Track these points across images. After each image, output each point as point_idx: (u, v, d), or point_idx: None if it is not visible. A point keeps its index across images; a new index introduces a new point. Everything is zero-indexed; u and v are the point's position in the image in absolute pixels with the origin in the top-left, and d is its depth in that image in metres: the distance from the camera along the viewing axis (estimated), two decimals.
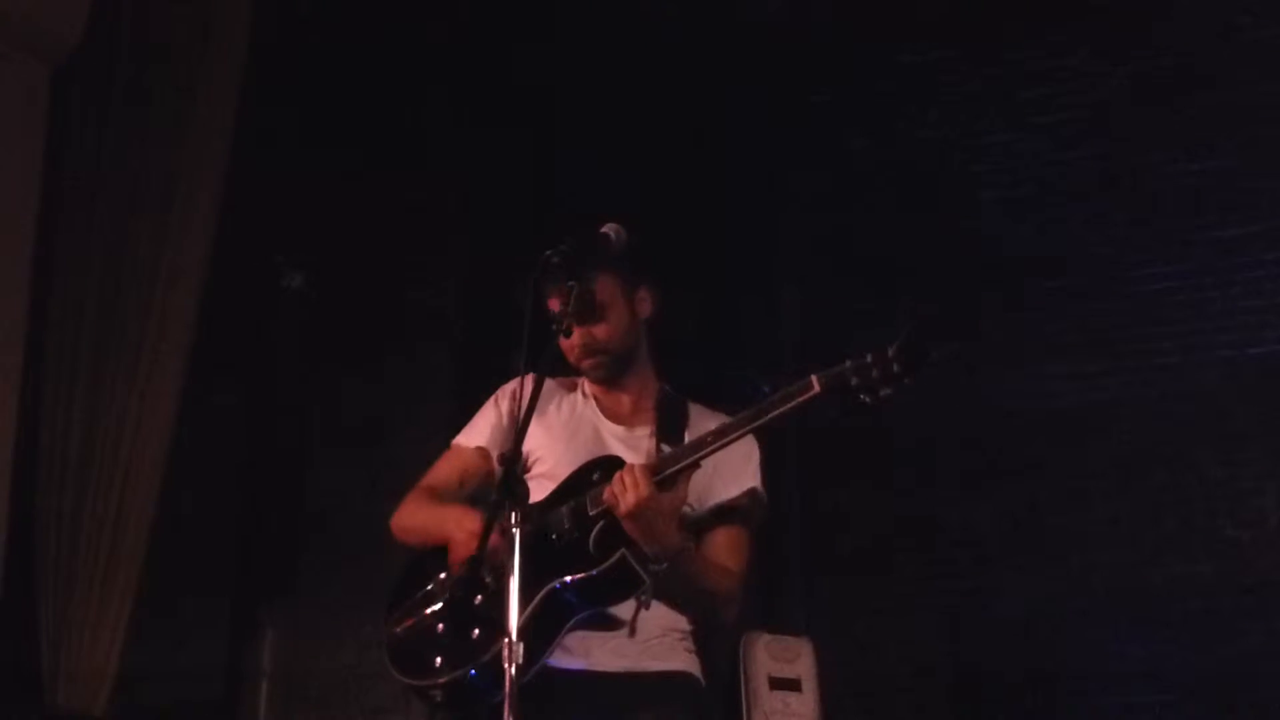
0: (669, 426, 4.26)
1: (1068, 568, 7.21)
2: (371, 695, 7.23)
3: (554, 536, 4.08)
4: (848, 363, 3.79)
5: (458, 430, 4.58)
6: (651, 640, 4.15)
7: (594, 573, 3.97)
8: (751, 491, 4.30)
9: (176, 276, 7.20)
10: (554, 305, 4.17)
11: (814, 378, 3.82)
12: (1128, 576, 7.13)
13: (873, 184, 7.84)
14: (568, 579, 3.99)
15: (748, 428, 3.95)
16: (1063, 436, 7.33)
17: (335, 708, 7.33)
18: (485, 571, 4.05)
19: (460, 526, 4.16)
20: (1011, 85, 7.74)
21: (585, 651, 4.10)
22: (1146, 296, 7.37)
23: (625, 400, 4.37)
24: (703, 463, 4.06)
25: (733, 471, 4.24)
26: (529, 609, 3.93)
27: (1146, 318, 7.35)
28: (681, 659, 4.22)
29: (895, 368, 3.71)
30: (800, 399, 3.85)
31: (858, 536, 7.48)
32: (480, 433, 4.45)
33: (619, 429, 4.31)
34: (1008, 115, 7.72)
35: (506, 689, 3.61)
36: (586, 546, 4.01)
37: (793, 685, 6.47)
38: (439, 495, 4.44)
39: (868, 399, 3.77)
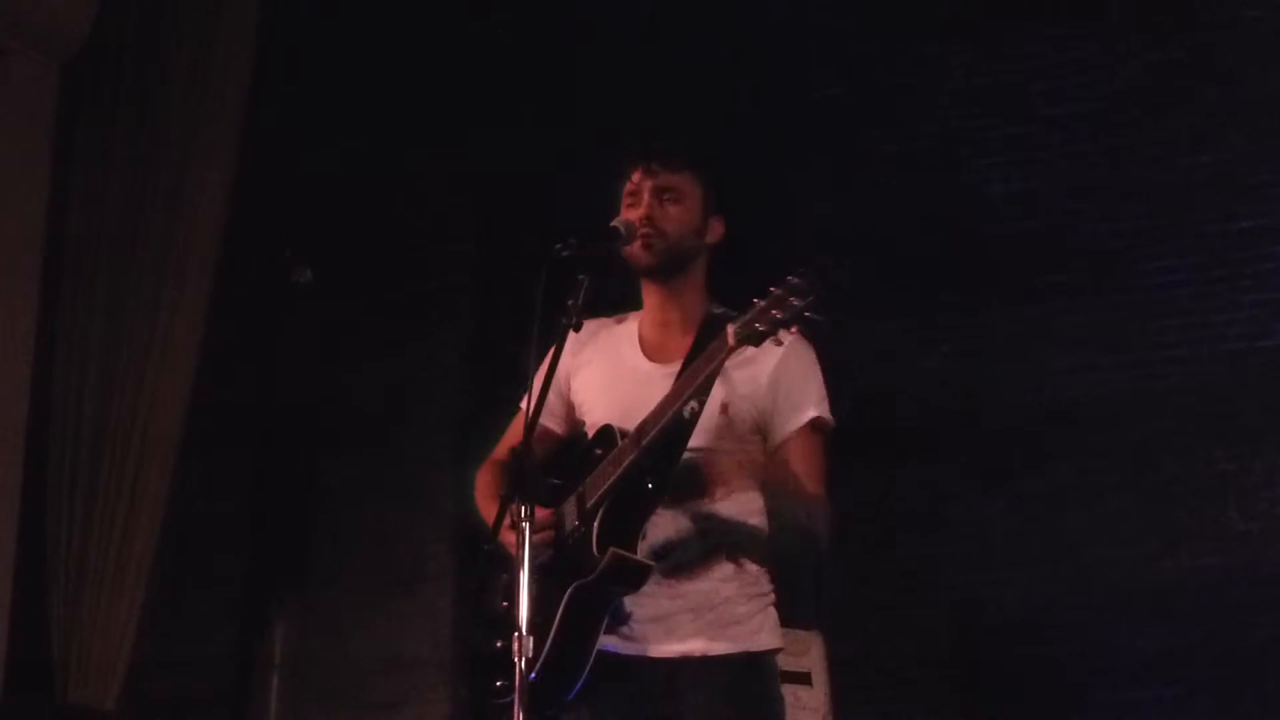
0: (696, 358, 4.11)
1: (1076, 561, 7.22)
2: (381, 688, 7.24)
3: (567, 532, 4.08)
4: (757, 303, 3.72)
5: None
6: (707, 618, 4.10)
7: (593, 578, 3.97)
8: (814, 420, 4.19)
9: (185, 272, 7.21)
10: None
11: (730, 330, 3.78)
12: (1136, 570, 7.14)
13: (881, 177, 7.84)
14: (579, 585, 3.99)
15: (686, 394, 3.91)
16: (1071, 429, 7.33)
17: (345, 700, 7.34)
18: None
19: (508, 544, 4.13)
20: (1020, 78, 7.75)
21: (641, 637, 4.08)
22: (1155, 289, 7.37)
23: (669, 329, 4.32)
24: (751, 381, 4.11)
25: (791, 403, 4.18)
26: (555, 622, 3.94)
27: (1155, 311, 7.36)
28: (742, 637, 4.14)
29: (796, 301, 3.65)
30: (722, 356, 3.84)
31: (868, 530, 7.47)
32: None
33: (654, 367, 4.22)
34: (1016, 108, 7.73)
35: (516, 684, 3.62)
36: (591, 539, 4.00)
37: (803, 679, 6.48)
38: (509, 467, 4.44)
39: (779, 343, 3.75)
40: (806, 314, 3.67)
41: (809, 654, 6.54)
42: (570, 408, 4.38)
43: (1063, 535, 7.26)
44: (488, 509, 4.29)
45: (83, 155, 7.42)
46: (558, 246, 4.01)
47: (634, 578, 3.98)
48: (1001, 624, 7.29)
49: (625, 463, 3.98)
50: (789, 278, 3.70)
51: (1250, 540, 7.05)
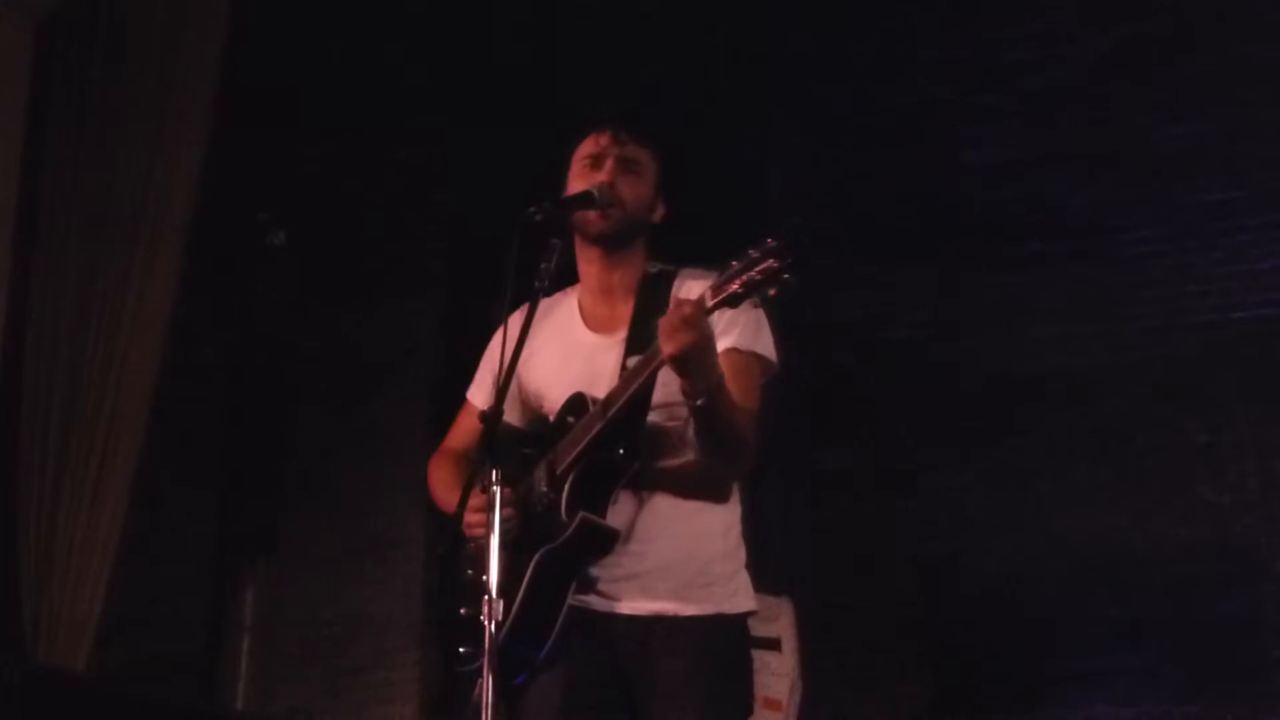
0: (645, 315, 4.09)
1: (1048, 531, 7.24)
2: (351, 651, 7.26)
3: (537, 502, 4.07)
4: (734, 265, 3.69)
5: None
6: (681, 579, 4.10)
7: (560, 542, 3.97)
8: (730, 349, 4.12)
9: (158, 234, 7.18)
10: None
11: (707, 294, 3.74)
12: (1108, 540, 7.16)
13: (859, 146, 7.84)
14: (547, 549, 3.99)
15: (656, 363, 3.88)
16: (1045, 400, 7.35)
17: (315, 663, 7.35)
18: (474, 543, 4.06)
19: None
20: (998, 47, 7.75)
21: (615, 595, 4.08)
22: (1130, 260, 7.39)
23: (610, 298, 4.28)
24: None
25: (718, 330, 4.14)
26: (522, 587, 3.94)
27: (1130, 282, 7.37)
28: (714, 599, 4.15)
29: (774, 264, 3.63)
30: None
31: (840, 497, 7.49)
32: (482, 389, 4.42)
33: (598, 338, 4.22)
34: (994, 77, 7.73)
35: (486, 647, 3.62)
36: (560, 505, 4.01)
37: (772, 645, 6.49)
38: (460, 459, 4.42)
39: (757, 305, 3.79)
40: (785, 276, 3.65)
41: (779, 620, 6.56)
42: (524, 395, 4.36)
43: (1035, 505, 7.28)
44: (447, 499, 4.31)
45: (57, 115, 7.38)
46: (531, 210, 4.00)
47: (602, 542, 3.99)
48: (973, 593, 7.32)
49: (593, 431, 3.98)
50: (768, 240, 3.66)
51: (1220, 512, 7.08)
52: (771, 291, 3.67)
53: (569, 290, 4.34)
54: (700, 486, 4.11)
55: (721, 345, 4.03)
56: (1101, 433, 7.29)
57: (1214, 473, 7.13)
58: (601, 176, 4.21)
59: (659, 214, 4.32)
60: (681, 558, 4.07)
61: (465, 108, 7.77)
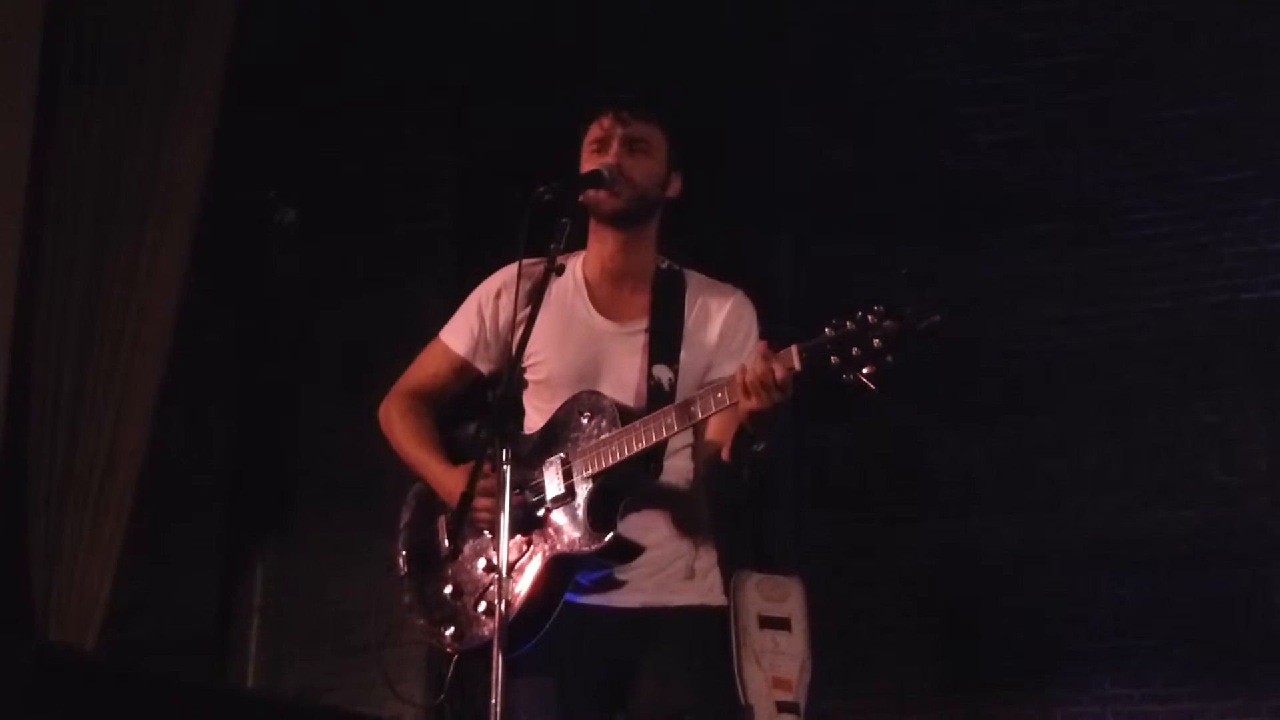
0: (664, 316, 4.17)
1: (1057, 510, 7.25)
2: (359, 630, 7.25)
3: (549, 497, 4.06)
4: (828, 332, 3.66)
5: None
6: (665, 574, 4.12)
7: (590, 551, 3.98)
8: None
9: (168, 213, 7.18)
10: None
11: (794, 351, 3.73)
12: (1117, 520, 7.17)
13: (869, 126, 7.83)
14: (565, 552, 3.99)
15: (729, 403, 3.88)
16: (1055, 380, 7.35)
17: (324, 643, 7.36)
18: (484, 528, 4.06)
19: (449, 494, 4.13)
20: (1010, 28, 7.73)
21: (605, 591, 4.09)
22: (1140, 241, 7.39)
23: (621, 284, 4.30)
24: (706, 340, 4.12)
25: (729, 352, 4.17)
26: (532, 582, 3.97)
27: (1139, 262, 7.37)
28: (698, 591, 4.18)
29: (877, 342, 3.60)
30: (787, 377, 3.77)
31: (849, 477, 7.50)
32: (462, 337, 4.36)
33: (610, 325, 4.20)
34: (1005, 58, 7.71)
35: (496, 624, 3.63)
36: (578, 511, 4.00)
37: (782, 624, 6.49)
38: (424, 400, 4.40)
39: (849, 377, 3.63)
40: (889, 359, 3.60)
41: (788, 600, 6.55)
42: (504, 347, 4.27)
43: (1043, 485, 7.29)
44: (415, 455, 4.33)
45: (66, 95, 7.37)
46: (541, 189, 3.99)
47: (624, 555, 4.01)
48: (981, 572, 7.32)
49: (634, 449, 3.96)
50: (878, 309, 3.62)
51: (1229, 493, 7.09)
52: (867, 370, 3.62)
53: (571, 256, 4.28)
54: (685, 488, 4.16)
55: (733, 366, 4.02)
56: (1111, 413, 7.29)
57: (1223, 453, 7.14)
58: (608, 159, 4.19)
59: (674, 189, 4.30)
60: (668, 555, 4.10)
61: (472, 87, 7.77)
